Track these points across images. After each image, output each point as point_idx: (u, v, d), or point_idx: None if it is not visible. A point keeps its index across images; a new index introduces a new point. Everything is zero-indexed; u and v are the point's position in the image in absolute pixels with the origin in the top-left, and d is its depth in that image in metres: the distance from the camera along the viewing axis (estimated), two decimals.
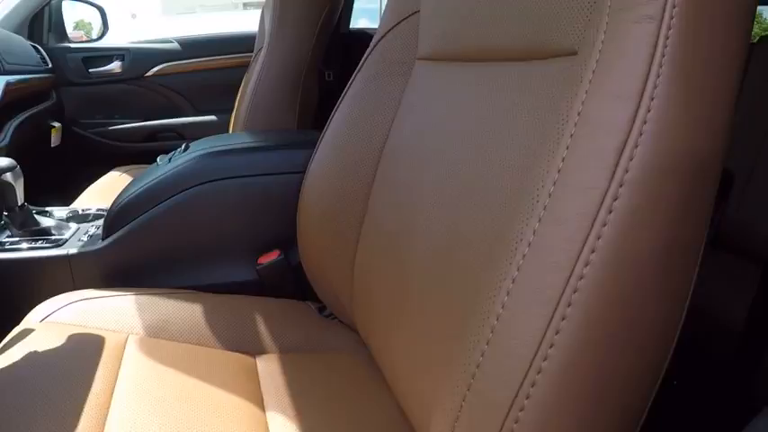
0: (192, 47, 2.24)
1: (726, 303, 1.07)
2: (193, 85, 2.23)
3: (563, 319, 0.37)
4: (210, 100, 2.21)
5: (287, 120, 1.53)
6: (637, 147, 0.37)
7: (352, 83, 0.81)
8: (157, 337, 0.77)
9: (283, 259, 0.94)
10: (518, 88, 0.52)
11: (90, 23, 2.60)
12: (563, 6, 0.47)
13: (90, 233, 1.03)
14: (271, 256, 0.94)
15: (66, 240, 0.99)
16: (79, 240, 0.99)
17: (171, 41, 2.24)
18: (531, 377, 0.38)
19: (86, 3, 2.31)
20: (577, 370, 0.38)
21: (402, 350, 0.61)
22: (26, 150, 1.58)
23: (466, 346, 0.44)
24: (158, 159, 1.08)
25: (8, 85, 1.59)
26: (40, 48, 2.04)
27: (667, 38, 0.37)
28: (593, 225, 0.37)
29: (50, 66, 2.05)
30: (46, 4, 2.10)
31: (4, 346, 0.70)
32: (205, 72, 2.22)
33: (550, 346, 0.38)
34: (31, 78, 1.83)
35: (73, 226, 1.07)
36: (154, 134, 2.21)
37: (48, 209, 1.17)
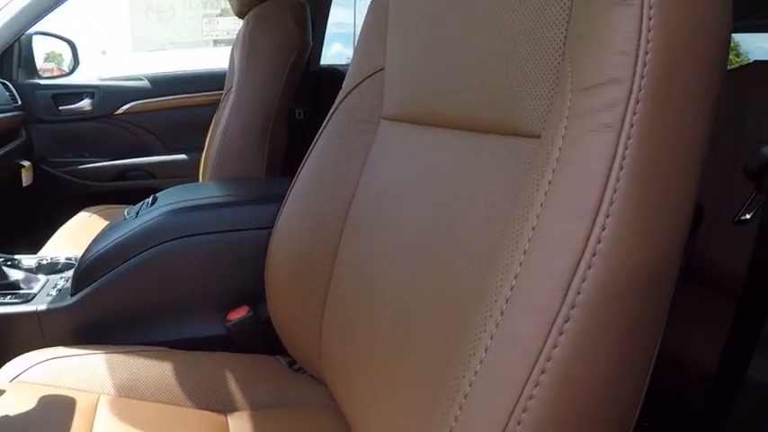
0: (162, 84, 2.23)
1: (698, 345, 1.05)
2: (164, 124, 2.22)
3: None
4: (181, 138, 2.20)
5: (257, 161, 1.53)
6: (590, 268, 0.36)
7: (319, 138, 0.80)
8: (129, 396, 0.78)
9: (252, 316, 0.95)
10: (478, 161, 0.51)
11: (61, 54, 2.58)
12: (523, 86, 0.46)
13: (59, 286, 1.03)
14: (239, 313, 0.95)
15: (35, 295, 1.00)
16: (48, 295, 0.99)
17: (141, 78, 2.24)
18: None
19: (57, 38, 2.30)
20: None
21: (371, 412, 0.62)
22: None
23: (436, 419, 0.43)
24: (126, 213, 1.09)
25: None
26: (9, 84, 2.02)
27: (626, 148, 0.36)
28: (543, 347, 0.36)
29: (20, 103, 2.03)
30: (15, 40, 2.09)
31: None
32: (175, 110, 2.22)
33: None
34: (1, 117, 1.81)
35: (42, 278, 1.07)
36: (124, 173, 2.20)
37: (16, 257, 1.16)
